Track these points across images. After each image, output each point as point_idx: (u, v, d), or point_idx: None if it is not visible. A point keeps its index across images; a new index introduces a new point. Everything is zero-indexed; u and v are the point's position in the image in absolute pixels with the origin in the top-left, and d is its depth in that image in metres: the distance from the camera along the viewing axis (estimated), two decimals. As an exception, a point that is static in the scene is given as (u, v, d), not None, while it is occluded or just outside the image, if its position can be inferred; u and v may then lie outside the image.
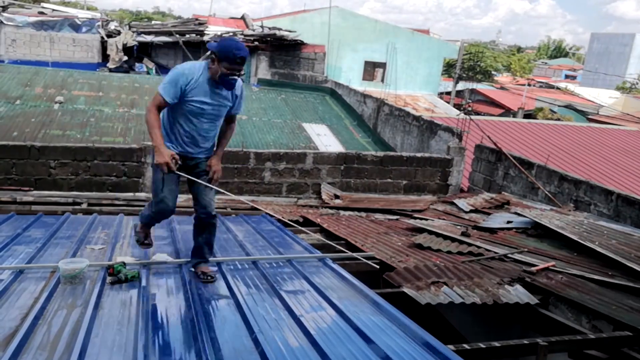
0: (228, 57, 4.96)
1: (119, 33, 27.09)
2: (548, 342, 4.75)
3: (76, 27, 26.42)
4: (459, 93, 39.99)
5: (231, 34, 27.48)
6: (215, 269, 5.73)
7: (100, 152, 11.18)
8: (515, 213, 9.70)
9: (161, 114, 5.24)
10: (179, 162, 5.27)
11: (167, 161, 5.08)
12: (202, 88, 5.15)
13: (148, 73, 27.04)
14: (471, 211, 10.25)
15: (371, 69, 32.69)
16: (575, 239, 7.85)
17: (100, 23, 27.14)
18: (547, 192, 11.27)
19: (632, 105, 40.02)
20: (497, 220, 9.37)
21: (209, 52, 4.86)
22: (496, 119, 22.95)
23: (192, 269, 5.63)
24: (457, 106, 31.99)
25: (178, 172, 5.32)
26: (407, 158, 12.92)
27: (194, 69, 5.16)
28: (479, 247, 7.68)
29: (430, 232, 8.36)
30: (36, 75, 21.35)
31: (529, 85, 47.74)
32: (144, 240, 5.93)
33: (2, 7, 25.71)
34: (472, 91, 40.78)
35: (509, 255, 7.36)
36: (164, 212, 5.52)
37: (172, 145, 5.32)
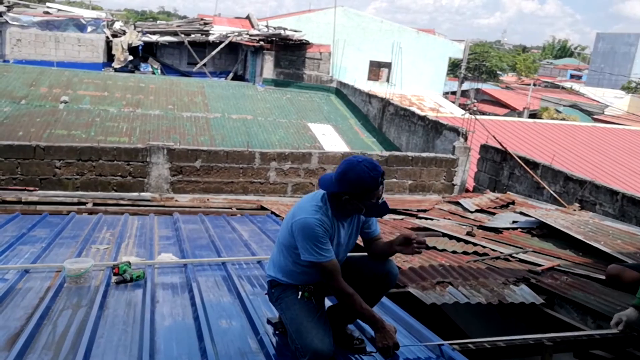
0: (370, 189, 3.77)
1: (124, 33, 27.19)
2: (553, 342, 4.73)
3: (81, 27, 26.50)
4: (464, 93, 39.94)
5: (237, 33, 27.51)
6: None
7: (106, 151, 11.19)
8: (521, 213, 9.68)
9: (284, 260, 4.05)
10: None
11: (392, 342, 3.87)
12: (337, 232, 4.01)
13: (153, 73, 27.14)
14: (476, 211, 10.23)
15: (376, 68, 32.69)
16: (581, 238, 7.83)
17: (105, 23, 27.24)
18: (552, 192, 11.25)
19: (638, 105, 39.91)
20: (503, 220, 9.35)
21: (323, 193, 4.00)
22: (501, 118, 22.93)
23: None
24: (463, 106, 31.93)
25: None
26: (412, 158, 12.91)
27: (320, 211, 3.87)
28: (484, 247, 7.66)
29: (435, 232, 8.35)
30: (41, 75, 21.41)
31: (534, 85, 47.70)
32: None
33: (7, 7, 25.78)
34: (477, 91, 40.73)
35: (514, 255, 7.34)
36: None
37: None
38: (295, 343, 3.80)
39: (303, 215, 3.82)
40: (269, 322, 4.38)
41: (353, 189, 3.74)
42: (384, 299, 4.87)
